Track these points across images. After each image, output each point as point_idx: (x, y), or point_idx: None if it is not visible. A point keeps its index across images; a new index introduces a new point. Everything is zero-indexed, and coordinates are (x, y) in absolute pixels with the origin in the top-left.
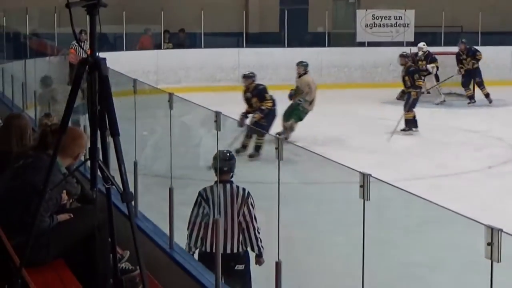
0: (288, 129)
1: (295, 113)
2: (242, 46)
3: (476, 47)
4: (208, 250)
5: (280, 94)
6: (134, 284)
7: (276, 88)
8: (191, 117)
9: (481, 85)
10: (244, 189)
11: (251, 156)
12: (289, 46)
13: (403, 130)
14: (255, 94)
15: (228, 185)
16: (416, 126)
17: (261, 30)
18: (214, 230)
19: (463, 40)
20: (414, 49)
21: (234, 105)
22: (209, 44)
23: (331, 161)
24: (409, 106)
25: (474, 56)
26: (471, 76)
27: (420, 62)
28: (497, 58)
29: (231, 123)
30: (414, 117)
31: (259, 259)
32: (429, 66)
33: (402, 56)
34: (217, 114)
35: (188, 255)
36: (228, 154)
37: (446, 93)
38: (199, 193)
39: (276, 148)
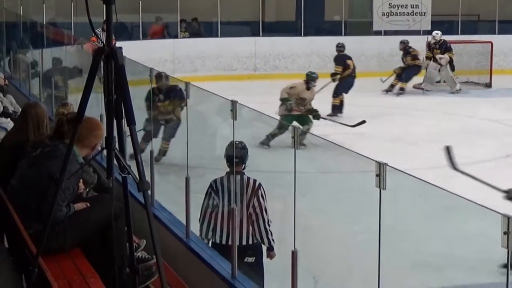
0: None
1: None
2: (259, 35)
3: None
4: (218, 241)
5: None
6: (151, 273)
7: (293, 77)
8: (207, 106)
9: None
10: (255, 181)
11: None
12: (305, 35)
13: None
14: None
15: (238, 176)
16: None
17: (278, 19)
18: (224, 221)
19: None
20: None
21: (251, 94)
22: (226, 33)
23: (347, 150)
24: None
25: (445, 51)
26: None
27: (435, 51)
28: None
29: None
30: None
31: (269, 253)
32: (439, 57)
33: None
34: (233, 103)
35: (204, 244)
36: (240, 145)
37: (463, 81)
38: (210, 184)
39: (292, 137)
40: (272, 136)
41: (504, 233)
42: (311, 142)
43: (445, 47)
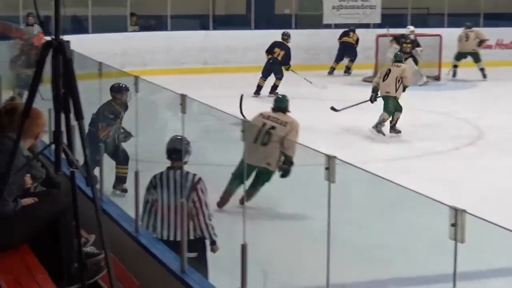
0: None
1: None
2: (209, 29)
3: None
4: (159, 237)
5: (248, 76)
6: (99, 268)
7: (244, 71)
8: (157, 100)
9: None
10: (194, 175)
11: None
12: (256, 28)
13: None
14: None
15: (178, 171)
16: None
17: (228, 13)
18: (164, 216)
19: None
20: (384, 31)
21: (201, 88)
22: (176, 26)
23: (297, 143)
24: None
25: (416, 46)
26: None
27: (405, 45)
28: None
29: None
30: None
31: (212, 247)
32: (418, 50)
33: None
34: (183, 97)
35: (153, 239)
36: (180, 141)
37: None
38: (150, 180)
39: (242, 131)
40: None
41: (452, 225)
42: None
43: (416, 43)
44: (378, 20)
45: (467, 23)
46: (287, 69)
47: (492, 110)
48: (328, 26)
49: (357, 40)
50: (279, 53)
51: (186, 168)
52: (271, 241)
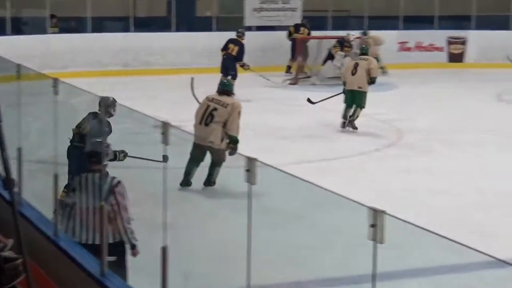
0: None
1: None
2: (130, 31)
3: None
4: (78, 240)
5: (169, 78)
6: (18, 273)
7: (165, 73)
8: (77, 103)
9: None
10: (113, 178)
11: None
12: (177, 30)
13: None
14: None
15: (97, 174)
16: None
17: (149, 15)
18: (82, 219)
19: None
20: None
21: (122, 90)
22: (97, 28)
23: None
24: None
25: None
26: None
27: (346, 49)
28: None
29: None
30: None
31: (132, 251)
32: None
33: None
34: None
35: (73, 243)
36: (100, 143)
37: (335, 76)
38: (69, 183)
39: (162, 133)
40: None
41: (371, 226)
42: (182, 137)
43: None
44: (298, 22)
45: (363, 30)
46: (245, 68)
47: (411, 112)
48: (249, 28)
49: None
50: (233, 48)
51: (108, 170)
52: (193, 244)
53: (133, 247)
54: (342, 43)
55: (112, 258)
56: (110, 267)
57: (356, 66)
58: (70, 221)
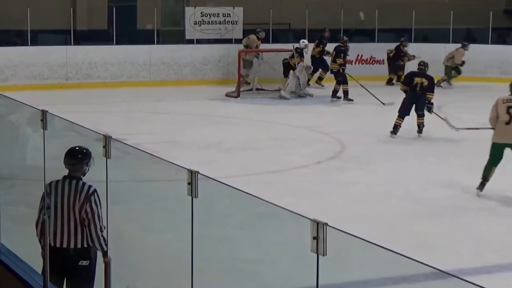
0: None
1: None
2: (70, 44)
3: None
4: (52, 244)
5: (110, 92)
6: None
7: (106, 86)
8: (17, 116)
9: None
10: (90, 187)
11: None
12: (118, 43)
13: None
14: None
15: (74, 181)
16: None
17: (90, 27)
18: (57, 224)
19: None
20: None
21: (62, 104)
22: (37, 41)
23: (160, 159)
24: None
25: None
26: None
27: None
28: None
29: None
30: None
31: (104, 258)
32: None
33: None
34: (44, 113)
35: (15, 257)
36: (80, 152)
37: (276, 89)
38: (45, 187)
39: (103, 147)
40: None
41: (314, 238)
42: (123, 150)
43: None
44: (240, 35)
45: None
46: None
47: (353, 124)
48: (190, 41)
49: (321, 52)
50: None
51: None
52: (136, 256)
53: (105, 254)
54: (302, 53)
55: (85, 262)
56: (83, 271)
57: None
58: (44, 224)
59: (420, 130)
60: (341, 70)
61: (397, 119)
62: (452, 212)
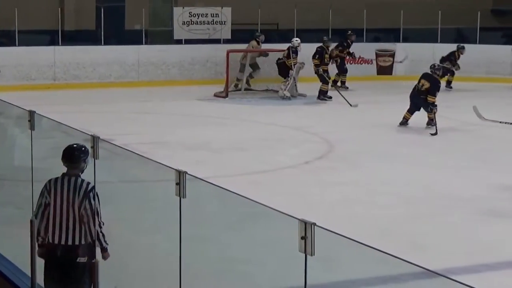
0: None
1: None
2: (58, 44)
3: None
4: (51, 240)
5: (100, 92)
6: None
7: (94, 86)
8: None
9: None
10: (88, 183)
11: None
12: (106, 44)
13: None
14: None
15: (73, 178)
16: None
17: (77, 28)
18: (56, 220)
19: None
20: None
21: (50, 104)
22: (24, 42)
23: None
24: None
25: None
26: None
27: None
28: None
29: (46, 122)
30: None
31: (103, 254)
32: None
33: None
34: (31, 113)
35: (2, 257)
36: (78, 149)
37: (264, 89)
38: (45, 184)
39: (91, 147)
40: None
41: (301, 238)
42: (112, 151)
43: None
44: (228, 35)
45: None
46: None
47: (341, 124)
48: (178, 42)
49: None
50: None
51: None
52: (124, 257)
53: (105, 250)
54: (297, 52)
55: (83, 259)
56: (82, 268)
57: None
58: (43, 220)
59: (428, 123)
60: (320, 71)
61: (406, 112)
62: (442, 212)
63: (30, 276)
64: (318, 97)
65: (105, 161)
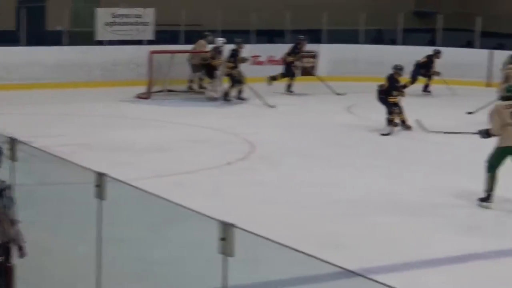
0: None
1: None
2: None
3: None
4: None
5: (21, 94)
6: None
7: (15, 88)
8: None
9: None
10: (3, 182)
11: None
12: (26, 44)
13: None
14: None
15: None
16: None
17: None
18: None
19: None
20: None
21: None
22: None
23: (67, 161)
24: None
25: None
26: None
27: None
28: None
29: None
30: None
31: (19, 252)
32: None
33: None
34: None
35: None
36: None
37: (184, 91)
38: None
39: (9, 149)
40: None
41: (221, 239)
42: (30, 153)
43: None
44: (151, 36)
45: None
46: None
47: (263, 125)
48: (100, 43)
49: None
50: None
51: None
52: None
53: (21, 248)
54: (221, 52)
55: (0, 259)
56: None
57: None
58: None
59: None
60: (234, 73)
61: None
62: (362, 212)
63: None
64: (237, 98)
65: (23, 164)
